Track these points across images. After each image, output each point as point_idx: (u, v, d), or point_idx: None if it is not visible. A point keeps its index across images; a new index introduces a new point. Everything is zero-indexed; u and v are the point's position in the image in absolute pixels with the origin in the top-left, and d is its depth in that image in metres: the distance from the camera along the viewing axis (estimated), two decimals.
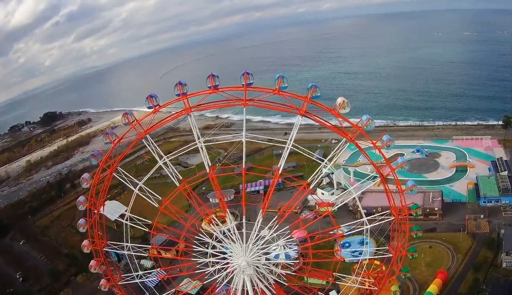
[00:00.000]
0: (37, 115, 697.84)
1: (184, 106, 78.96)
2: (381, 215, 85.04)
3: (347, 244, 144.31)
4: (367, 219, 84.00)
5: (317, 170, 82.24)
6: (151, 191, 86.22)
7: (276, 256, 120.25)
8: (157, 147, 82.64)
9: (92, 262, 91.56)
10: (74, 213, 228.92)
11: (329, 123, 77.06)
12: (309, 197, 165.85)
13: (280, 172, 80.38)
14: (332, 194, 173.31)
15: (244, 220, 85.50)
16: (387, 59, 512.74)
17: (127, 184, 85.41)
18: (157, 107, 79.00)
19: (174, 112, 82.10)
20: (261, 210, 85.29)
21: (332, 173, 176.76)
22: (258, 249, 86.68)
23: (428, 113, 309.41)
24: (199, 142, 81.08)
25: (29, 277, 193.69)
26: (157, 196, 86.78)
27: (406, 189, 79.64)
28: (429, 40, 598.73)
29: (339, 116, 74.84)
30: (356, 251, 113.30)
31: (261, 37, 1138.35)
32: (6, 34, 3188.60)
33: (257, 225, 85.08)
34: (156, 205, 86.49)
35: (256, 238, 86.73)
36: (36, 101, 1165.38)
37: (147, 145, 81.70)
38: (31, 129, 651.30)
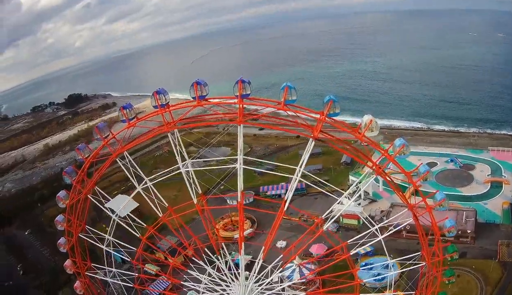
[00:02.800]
0: (62, 96, 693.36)
1: (164, 121, 68.22)
2: (410, 258, 73.08)
3: (370, 265, 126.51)
4: (378, 228, 72.26)
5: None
6: (156, 192, 77.58)
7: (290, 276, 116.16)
8: (137, 167, 73.21)
9: (77, 284, 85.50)
10: (85, 204, 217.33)
11: (348, 147, 68.48)
12: (333, 206, 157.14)
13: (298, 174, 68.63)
14: (359, 204, 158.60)
15: (242, 260, 75.63)
16: (417, 58, 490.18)
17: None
18: (133, 120, 69.10)
19: (152, 128, 72.30)
20: (262, 249, 74.87)
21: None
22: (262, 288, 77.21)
23: (462, 116, 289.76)
24: (183, 166, 71.49)
25: (31, 270, 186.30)
26: (162, 200, 78.21)
27: (436, 205, 66.73)
28: (463, 39, 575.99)
29: (364, 140, 63.48)
30: (379, 274, 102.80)
31: (292, 27, 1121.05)
32: (35, 14, 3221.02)
33: (258, 264, 75.54)
34: (160, 214, 78.67)
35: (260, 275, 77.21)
36: (63, 81, 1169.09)
37: (121, 165, 73.16)
38: (54, 110, 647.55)
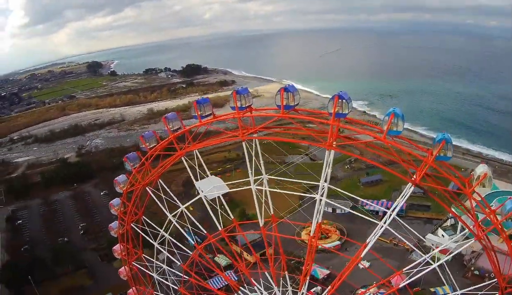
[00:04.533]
0: (180, 64, 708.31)
1: (239, 127, 60.89)
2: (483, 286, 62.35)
3: None
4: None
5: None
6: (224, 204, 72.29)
7: None
8: (205, 166, 68.38)
9: (122, 269, 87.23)
10: (173, 179, 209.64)
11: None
12: (427, 236, 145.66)
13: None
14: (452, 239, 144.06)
15: None
16: None
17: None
18: (206, 118, 64.45)
19: (224, 131, 67.23)
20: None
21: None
22: None
23: None
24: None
25: (92, 231, 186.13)
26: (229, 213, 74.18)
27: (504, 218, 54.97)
28: None
29: (473, 197, 53.59)
30: None
31: (426, 39, 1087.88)
32: None
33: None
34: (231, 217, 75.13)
35: None
36: (185, 50, 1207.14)
37: (186, 166, 69.09)
38: (169, 76, 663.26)
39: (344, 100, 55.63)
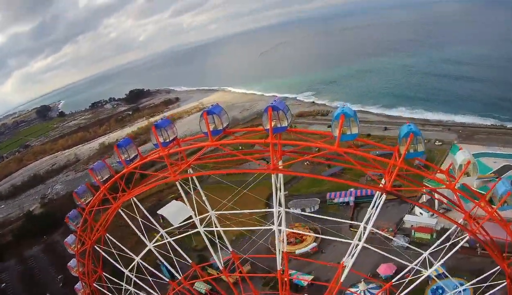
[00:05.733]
0: (124, 91, 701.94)
1: (170, 169, 56.66)
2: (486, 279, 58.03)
3: (440, 291, 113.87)
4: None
5: None
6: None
7: None
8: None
9: (78, 286, 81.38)
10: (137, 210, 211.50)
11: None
12: (405, 218, 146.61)
13: None
14: (432, 215, 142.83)
15: None
16: (501, 51, 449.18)
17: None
18: (132, 163, 61.06)
19: (153, 174, 63.70)
20: None
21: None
22: None
23: None
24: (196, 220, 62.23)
25: (72, 283, 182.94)
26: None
27: (500, 204, 49.35)
28: None
29: (457, 192, 49.20)
30: None
31: (365, 18, 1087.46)
32: (94, 9, 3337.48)
33: None
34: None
35: None
36: (125, 77, 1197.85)
37: (125, 217, 65.77)
38: (114, 106, 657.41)
39: (280, 111, 48.26)
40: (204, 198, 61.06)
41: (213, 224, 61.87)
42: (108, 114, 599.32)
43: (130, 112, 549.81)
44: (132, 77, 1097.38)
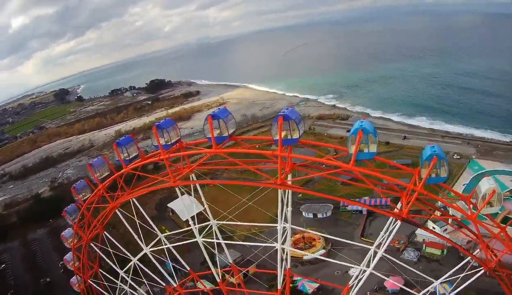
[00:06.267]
0: (145, 81, 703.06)
1: (170, 174, 52.77)
2: None
3: None
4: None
5: None
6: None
7: None
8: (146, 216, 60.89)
9: (73, 280, 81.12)
10: (146, 201, 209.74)
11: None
12: (417, 231, 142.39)
13: None
14: (445, 230, 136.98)
15: None
16: None
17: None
18: (132, 163, 57.99)
19: (152, 177, 60.04)
20: None
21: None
22: None
23: None
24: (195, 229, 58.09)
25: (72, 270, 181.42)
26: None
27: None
28: None
29: (478, 221, 44.61)
30: None
31: (388, 23, 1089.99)
32: None
33: None
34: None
35: None
36: (148, 66, 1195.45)
37: (122, 218, 62.18)
38: (134, 94, 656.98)
39: (292, 121, 43.94)
40: (205, 206, 57.33)
41: (214, 234, 58.16)
42: (127, 102, 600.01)
43: (149, 102, 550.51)
44: (154, 67, 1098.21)
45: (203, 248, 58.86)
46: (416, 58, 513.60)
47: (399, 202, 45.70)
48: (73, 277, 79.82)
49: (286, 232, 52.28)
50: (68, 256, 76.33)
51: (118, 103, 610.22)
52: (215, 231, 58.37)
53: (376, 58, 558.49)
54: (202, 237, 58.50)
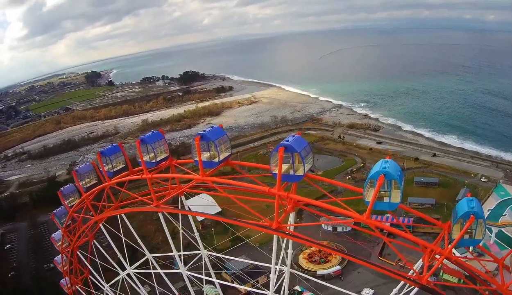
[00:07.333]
0: (178, 71, 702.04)
1: (153, 197, 46.01)
2: None
3: None
4: None
5: None
6: None
7: None
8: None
9: (63, 281, 76.34)
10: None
11: None
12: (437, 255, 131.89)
13: None
14: (465, 257, 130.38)
15: None
16: None
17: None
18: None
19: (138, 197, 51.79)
20: None
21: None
22: None
23: None
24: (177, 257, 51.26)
25: None
26: None
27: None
28: None
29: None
30: None
31: (426, 36, 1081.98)
32: None
33: None
34: None
35: None
36: (184, 57, 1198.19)
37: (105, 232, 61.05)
38: (166, 84, 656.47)
39: (296, 154, 36.21)
40: (196, 233, 50.46)
41: (203, 266, 50.75)
42: (158, 91, 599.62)
43: (180, 94, 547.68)
44: (189, 58, 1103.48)
45: (188, 283, 51.37)
46: (451, 74, 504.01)
47: (420, 260, 38.03)
48: (63, 279, 75.90)
49: (283, 277, 44.94)
50: (58, 258, 73.14)
51: (148, 91, 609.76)
52: (204, 263, 51.04)
53: (411, 71, 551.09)
54: (187, 269, 51.12)
